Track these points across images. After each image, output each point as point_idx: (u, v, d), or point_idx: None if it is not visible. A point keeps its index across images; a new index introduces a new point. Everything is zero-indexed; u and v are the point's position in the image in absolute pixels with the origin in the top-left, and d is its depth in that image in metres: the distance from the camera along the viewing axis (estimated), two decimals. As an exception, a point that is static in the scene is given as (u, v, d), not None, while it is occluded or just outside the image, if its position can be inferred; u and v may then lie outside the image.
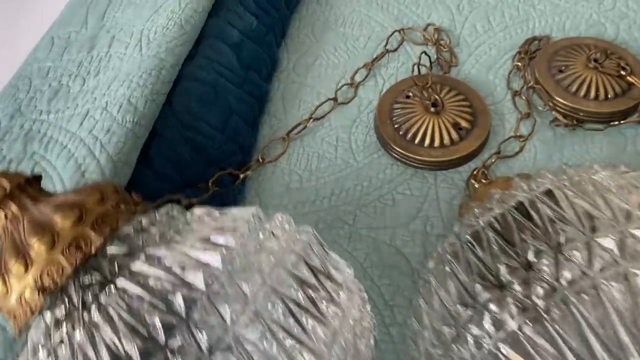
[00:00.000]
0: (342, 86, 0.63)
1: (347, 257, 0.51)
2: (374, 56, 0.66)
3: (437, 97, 0.58)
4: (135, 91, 0.48)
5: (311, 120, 0.60)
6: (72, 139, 0.48)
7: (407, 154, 0.56)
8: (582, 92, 0.59)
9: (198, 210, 0.33)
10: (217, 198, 0.52)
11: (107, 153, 0.46)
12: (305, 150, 0.59)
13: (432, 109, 0.58)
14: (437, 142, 0.57)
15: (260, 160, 0.57)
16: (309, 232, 0.36)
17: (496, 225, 0.37)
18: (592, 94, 0.59)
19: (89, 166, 0.46)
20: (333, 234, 0.53)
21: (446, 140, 0.57)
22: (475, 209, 0.42)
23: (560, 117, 0.59)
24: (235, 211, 0.34)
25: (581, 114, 0.59)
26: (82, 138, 0.48)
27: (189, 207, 0.34)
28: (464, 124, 0.58)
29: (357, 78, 0.64)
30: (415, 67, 0.63)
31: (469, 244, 0.38)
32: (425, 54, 0.63)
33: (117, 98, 0.49)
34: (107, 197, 0.29)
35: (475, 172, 0.55)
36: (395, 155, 0.57)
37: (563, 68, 0.61)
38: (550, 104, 0.60)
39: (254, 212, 0.33)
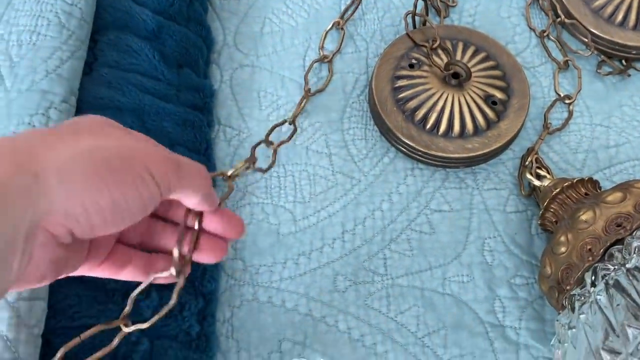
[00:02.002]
0: (313, 64, 0.44)
1: (392, 328, 0.36)
2: (342, 8, 0.47)
3: (460, 66, 0.41)
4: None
5: (285, 123, 0.41)
6: None
7: (430, 151, 0.40)
8: (631, 22, 0.45)
9: None
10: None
11: None
12: (288, 170, 0.41)
13: (453, 82, 0.41)
14: (469, 127, 0.40)
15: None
16: None
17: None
18: (644, 22, 0.45)
19: None
20: (362, 294, 0.37)
21: (480, 122, 0.41)
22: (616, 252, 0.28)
23: (607, 60, 0.45)
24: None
25: (634, 52, 0.44)
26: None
27: None
28: (498, 95, 0.42)
29: (329, 46, 0.45)
30: (409, 17, 0.45)
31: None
32: (421, -2, 0.45)
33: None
34: None
35: (526, 161, 0.40)
36: (415, 155, 0.41)
37: (598, -10, 0.46)
38: (590, 43, 0.45)
39: None
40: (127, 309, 0.27)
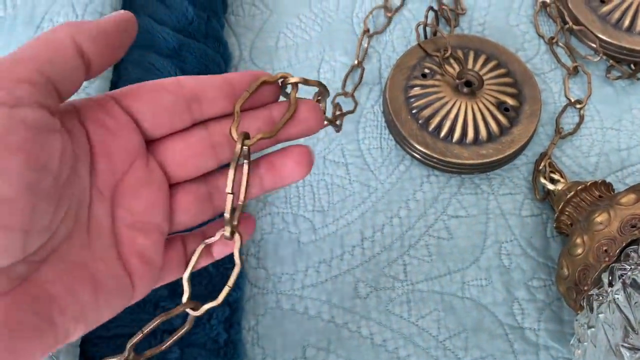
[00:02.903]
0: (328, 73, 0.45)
1: (413, 333, 0.37)
2: (353, 21, 0.48)
3: (472, 74, 0.42)
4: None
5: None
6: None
7: (445, 158, 0.41)
8: (638, 26, 0.45)
9: None
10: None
11: None
12: (306, 180, 0.42)
13: (465, 90, 0.42)
14: (483, 134, 0.41)
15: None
16: None
17: None
18: (651, 26, 0.45)
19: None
20: (384, 300, 0.38)
21: (494, 128, 0.42)
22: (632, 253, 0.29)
23: (616, 65, 0.46)
24: None
25: (642, 55, 0.45)
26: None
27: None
28: (510, 101, 0.43)
29: (340, 58, 0.47)
30: (420, 28, 0.46)
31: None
32: (432, 9, 0.46)
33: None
34: None
35: (540, 166, 0.41)
36: (430, 163, 0.42)
37: (605, -4, 0.47)
38: (599, 49, 0.46)
39: None
40: (187, 291, 0.25)
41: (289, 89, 0.26)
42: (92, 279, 0.22)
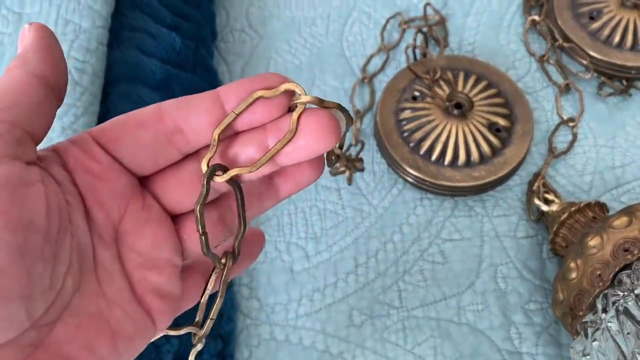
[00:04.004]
0: (355, 86, 0.45)
1: (411, 361, 0.36)
2: (343, 45, 0.48)
3: (462, 96, 0.42)
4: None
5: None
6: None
7: (438, 181, 0.41)
8: (628, 43, 0.45)
9: None
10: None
11: None
12: (298, 207, 0.42)
13: (456, 112, 0.42)
14: (474, 156, 0.41)
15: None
16: None
17: None
18: (642, 41, 0.45)
19: None
20: (379, 327, 0.37)
21: (485, 150, 0.41)
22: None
23: (607, 81, 0.45)
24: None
25: (633, 71, 0.45)
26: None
27: None
28: (501, 122, 0.42)
29: (331, 82, 0.47)
30: (409, 51, 0.46)
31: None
32: (421, 32, 0.46)
33: None
34: None
35: (534, 187, 0.41)
36: (423, 186, 0.41)
37: (594, 13, 0.47)
38: (590, 65, 0.45)
39: None
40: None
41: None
42: (110, 328, 0.21)
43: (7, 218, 0.17)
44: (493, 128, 0.42)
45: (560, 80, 0.46)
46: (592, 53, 0.45)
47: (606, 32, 0.46)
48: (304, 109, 0.21)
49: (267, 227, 0.41)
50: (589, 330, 0.29)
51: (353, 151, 0.43)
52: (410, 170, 0.41)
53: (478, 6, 0.50)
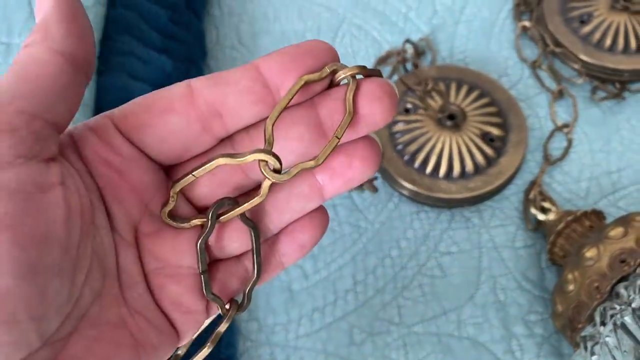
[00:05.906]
0: None
1: (412, 378, 0.36)
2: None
3: (454, 107, 0.42)
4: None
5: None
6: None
7: (433, 194, 0.40)
8: (620, 45, 0.45)
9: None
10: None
11: None
12: (295, 225, 0.41)
13: (449, 123, 0.42)
14: (469, 167, 0.41)
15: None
16: None
17: None
18: (633, 44, 0.45)
19: None
20: (379, 345, 0.37)
21: (480, 161, 0.41)
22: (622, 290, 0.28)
23: (601, 85, 0.45)
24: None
25: (626, 74, 0.45)
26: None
27: None
28: (495, 131, 0.42)
29: (325, 96, 0.46)
30: (399, 64, 0.46)
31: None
32: (409, 42, 0.46)
33: None
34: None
35: (530, 195, 0.41)
36: (419, 199, 0.41)
37: (584, 17, 0.46)
38: (581, 70, 0.45)
39: None
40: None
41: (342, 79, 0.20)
42: (132, 339, 0.18)
43: (16, 232, 0.15)
44: (487, 138, 0.42)
45: (553, 86, 0.46)
46: (584, 57, 0.45)
47: (597, 35, 0.45)
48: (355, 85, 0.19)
49: (264, 246, 0.41)
50: (588, 344, 0.29)
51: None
52: (406, 184, 0.41)
53: (468, 14, 0.49)
